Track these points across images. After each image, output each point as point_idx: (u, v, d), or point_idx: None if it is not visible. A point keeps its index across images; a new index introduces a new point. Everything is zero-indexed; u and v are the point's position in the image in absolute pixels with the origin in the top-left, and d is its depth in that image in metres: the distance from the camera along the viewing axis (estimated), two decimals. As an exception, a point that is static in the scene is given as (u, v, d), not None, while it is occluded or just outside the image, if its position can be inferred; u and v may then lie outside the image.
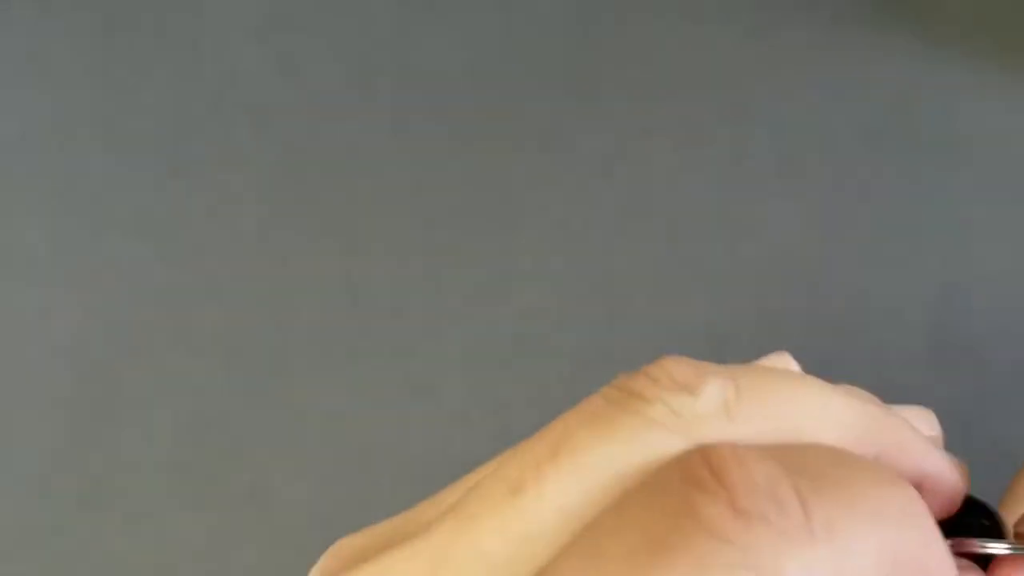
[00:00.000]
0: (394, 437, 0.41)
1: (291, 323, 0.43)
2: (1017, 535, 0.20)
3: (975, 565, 0.19)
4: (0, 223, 0.45)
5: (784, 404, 0.16)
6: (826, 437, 0.17)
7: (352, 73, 0.47)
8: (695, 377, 0.16)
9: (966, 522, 0.21)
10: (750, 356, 0.43)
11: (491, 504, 0.15)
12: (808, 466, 0.15)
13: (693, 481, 0.14)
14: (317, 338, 0.42)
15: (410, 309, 0.43)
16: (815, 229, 0.43)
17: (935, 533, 0.16)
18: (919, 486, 0.18)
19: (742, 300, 0.42)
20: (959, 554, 0.20)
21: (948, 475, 0.19)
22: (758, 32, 0.46)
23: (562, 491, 0.15)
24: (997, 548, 0.20)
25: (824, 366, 0.44)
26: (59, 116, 0.47)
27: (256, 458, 0.41)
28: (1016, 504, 0.22)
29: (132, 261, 0.44)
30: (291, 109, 0.46)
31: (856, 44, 0.45)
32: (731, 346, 0.41)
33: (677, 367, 0.16)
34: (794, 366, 0.22)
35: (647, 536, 0.14)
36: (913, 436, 0.18)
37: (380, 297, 0.43)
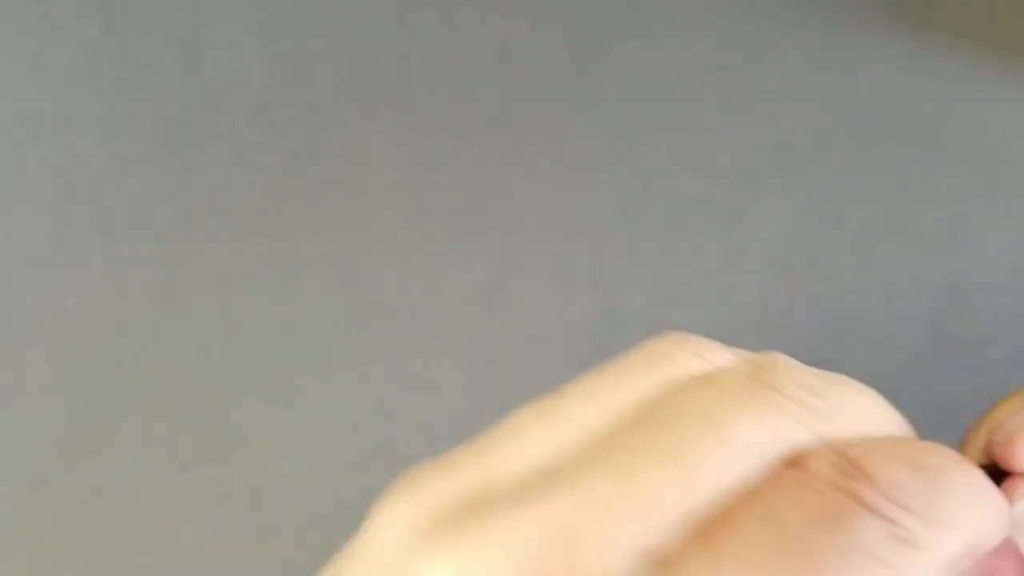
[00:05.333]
0: (394, 437, 0.41)
1: (291, 322, 0.43)
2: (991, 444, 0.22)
3: None
4: (0, 222, 0.45)
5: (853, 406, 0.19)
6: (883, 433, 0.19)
7: (352, 73, 0.47)
8: (814, 380, 0.18)
9: None
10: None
11: (650, 468, 0.16)
12: (909, 456, 0.17)
13: (847, 481, 0.16)
14: (317, 337, 0.42)
15: (410, 309, 0.43)
16: (815, 229, 0.43)
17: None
18: None
19: (742, 300, 0.42)
20: None
21: None
22: (757, 32, 0.46)
23: (720, 468, 0.17)
24: None
25: (824, 366, 0.44)
26: (60, 116, 0.47)
27: (256, 457, 0.41)
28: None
29: (132, 261, 0.44)
30: (291, 109, 0.46)
31: (854, 45, 0.45)
32: (731, 346, 0.41)
33: (794, 369, 0.19)
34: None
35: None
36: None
37: (380, 297, 0.43)
